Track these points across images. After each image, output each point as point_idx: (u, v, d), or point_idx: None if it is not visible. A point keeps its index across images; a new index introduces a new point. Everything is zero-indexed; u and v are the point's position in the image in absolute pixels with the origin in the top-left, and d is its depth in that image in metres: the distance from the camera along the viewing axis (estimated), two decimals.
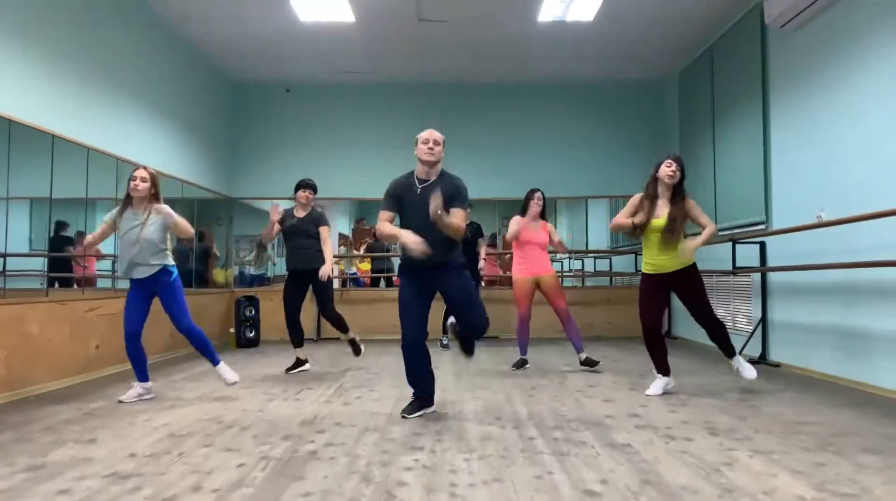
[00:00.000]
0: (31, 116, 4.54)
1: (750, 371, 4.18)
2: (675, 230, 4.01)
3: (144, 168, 4.11)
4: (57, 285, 5.02)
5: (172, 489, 2.37)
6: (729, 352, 4.24)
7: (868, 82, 4.54)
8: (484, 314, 3.65)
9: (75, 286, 5.28)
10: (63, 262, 5.13)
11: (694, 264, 4.14)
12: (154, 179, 4.08)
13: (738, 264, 5.92)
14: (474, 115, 8.63)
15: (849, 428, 3.26)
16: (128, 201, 4.06)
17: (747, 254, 5.91)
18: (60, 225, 4.98)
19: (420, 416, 3.58)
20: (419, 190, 3.54)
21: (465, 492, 2.33)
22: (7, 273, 4.32)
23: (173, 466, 2.66)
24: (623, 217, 4.18)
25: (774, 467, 2.60)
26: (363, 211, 10.68)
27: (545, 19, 6.50)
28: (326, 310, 5.24)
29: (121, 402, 4.02)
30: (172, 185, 6.59)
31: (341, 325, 5.33)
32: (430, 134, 3.59)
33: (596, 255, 9.08)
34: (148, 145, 6.25)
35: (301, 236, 5.15)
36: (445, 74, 8.28)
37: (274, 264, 9.16)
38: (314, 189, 5.31)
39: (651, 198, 4.11)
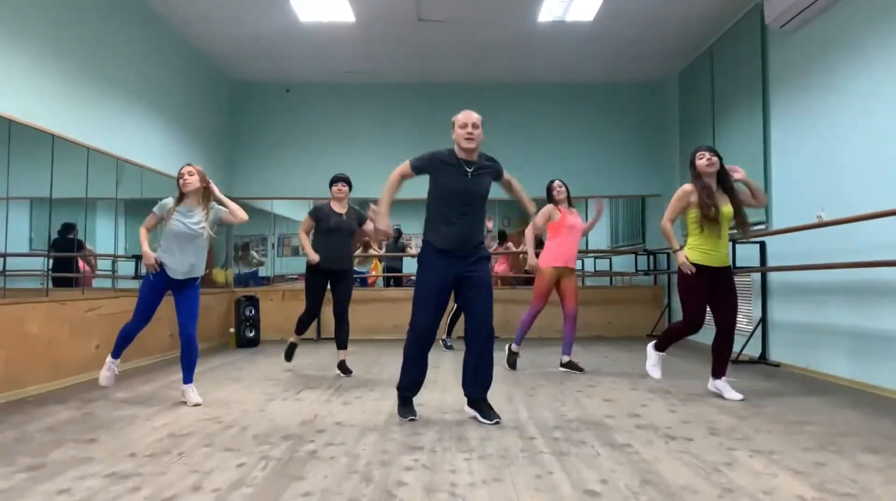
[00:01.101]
0: (31, 116, 4.54)
1: (734, 393, 4.03)
2: (746, 222, 4.00)
3: (189, 164, 4.10)
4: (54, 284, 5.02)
5: (172, 488, 2.37)
6: (721, 372, 4.15)
7: (868, 82, 4.54)
8: (491, 317, 3.50)
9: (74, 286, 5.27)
10: (68, 263, 5.12)
11: (731, 267, 4.13)
12: (202, 174, 4.06)
13: (738, 264, 5.91)
14: None
15: (849, 428, 3.26)
16: (181, 197, 4.02)
17: (747, 254, 5.91)
18: (68, 227, 4.98)
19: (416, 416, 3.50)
20: (469, 175, 3.43)
21: (465, 492, 2.33)
22: (7, 273, 4.32)
23: (173, 466, 2.65)
24: (668, 223, 4.08)
25: (774, 467, 2.60)
26: (364, 211, 10.68)
27: (545, 19, 6.50)
28: (343, 311, 5.11)
29: (105, 386, 4.14)
30: (172, 185, 6.58)
31: (346, 336, 5.17)
32: (467, 116, 3.42)
33: (596, 255, 9.08)
34: (148, 145, 6.25)
35: (344, 235, 5.05)
36: (445, 74, 8.28)
37: (261, 264, 9.11)
38: (348, 183, 5.15)
39: (706, 188, 3.97)
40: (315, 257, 4.94)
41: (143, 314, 4.07)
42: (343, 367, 5.15)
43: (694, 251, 4.02)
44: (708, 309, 4.12)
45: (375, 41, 7.14)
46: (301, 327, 5.21)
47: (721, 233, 3.99)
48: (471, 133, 3.39)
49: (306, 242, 5.05)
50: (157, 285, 4.03)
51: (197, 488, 2.38)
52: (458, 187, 3.42)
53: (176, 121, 6.89)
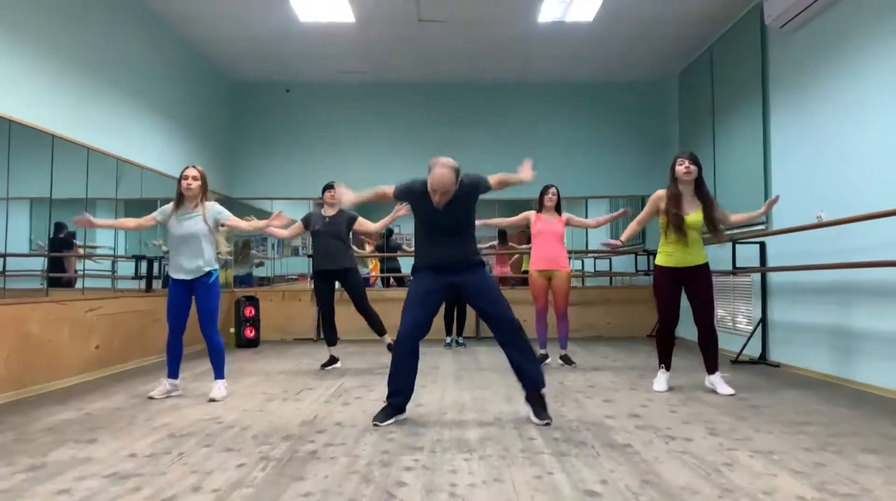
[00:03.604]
0: (31, 116, 4.54)
1: (726, 388, 4.16)
2: (717, 229, 4.11)
3: (193, 167, 4.20)
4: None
5: (172, 489, 2.37)
6: (712, 367, 4.26)
7: (868, 82, 4.54)
8: (511, 312, 3.47)
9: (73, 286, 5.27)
10: (61, 263, 5.12)
11: (707, 264, 4.20)
12: (203, 176, 4.18)
13: (738, 264, 5.92)
14: (474, 115, 8.64)
15: (849, 428, 3.26)
16: (180, 200, 4.13)
17: (747, 254, 5.91)
18: (59, 227, 4.98)
19: (392, 423, 3.38)
20: (440, 209, 3.42)
21: (465, 492, 2.33)
22: (7, 273, 4.32)
23: (173, 466, 2.66)
24: (635, 224, 4.32)
25: (774, 467, 2.60)
26: (363, 212, 10.64)
27: (545, 20, 6.50)
28: (361, 305, 5.36)
29: (151, 398, 4.11)
30: (172, 185, 6.58)
31: (377, 324, 5.44)
32: (435, 183, 3.32)
33: (596, 255, 9.07)
34: (148, 145, 6.25)
35: (330, 237, 5.27)
36: (445, 74, 8.28)
37: (260, 265, 9.09)
38: None
39: (674, 196, 4.12)
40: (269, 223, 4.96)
41: (169, 320, 4.14)
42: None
43: (660, 255, 4.23)
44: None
45: (375, 41, 7.14)
46: (327, 335, 5.49)
47: (687, 239, 4.10)
48: (438, 201, 3.38)
49: (280, 232, 5.31)
50: (172, 290, 4.13)
51: (197, 488, 2.38)
52: (430, 220, 3.52)
53: (176, 121, 6.89)
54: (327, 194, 5.35)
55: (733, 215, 4.26)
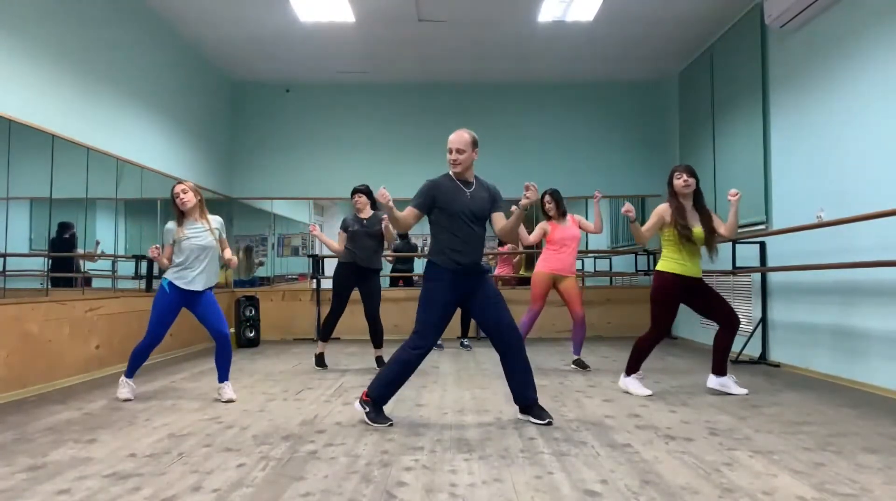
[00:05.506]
0: (31, 116, 4.54)
1: (739, 389, 4.18)
2: (713, 243, 4.11)
3: (181, 182, 4.16)
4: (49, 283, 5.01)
5: (172, 488, 2.37)
6: (723, 369, 4.22)
7: (868, 82, 4.54)
8: (513, 324, 3.45)
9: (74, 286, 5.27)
10: (66, 263, 5.11)
11: (702, 279, 4.21)
12: (195, 188, 4.16)
13: (738, 264, 5.92)
14: (474, 115, 8.62)
15: (849, 428, 3.26)
16: (181, 216, 4.10)
17: (747, 254, 5.91)
18: (64, 226, 4.98)
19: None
20: (468, 195, 3.44)
21: (465, 492, 2.33)
22: (7, 273, 4.32)
23: (173, 466, 2.66)
24: (643, 229, 4.15)
25: (774, 467, 2.60)
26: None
27: (545, 19, 6.50)
28: (372, 312, 5.40)
29: (126, 400, 4.08)
30: (172, 185, 6.58)
31: (379, 336, 5.48)
32: (450, 141, 3.43)
33: (596, 255, 9.08)
34: (148, 145, 6.25)
35: (367, 237, 5.37)
36: (445, 74, 8.28)
37: (261, 265, 9.08)
38: (365, 193, 5.47)
39: (679, 208, 4.13)
40: (327, 242, 5.45)
41: (159, 330, 4.05)
42: (380, 362, 5.50)
43: (669, 262, 4.15)
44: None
45: (375, 41, 7.14)
46: (326, 330, 5.48)
47: (694, 249, 4.12)
48: (455, 159, 3.43)
49: (329, 241, 5.51)
50: (173, 301, 4.04)
51: (197, 488, 2.38)
52: (460, 206, 3.42)
53: (176, 121, 6.89)
54: (353, 200, 5.46)
55: (723, 225, 4.20)
